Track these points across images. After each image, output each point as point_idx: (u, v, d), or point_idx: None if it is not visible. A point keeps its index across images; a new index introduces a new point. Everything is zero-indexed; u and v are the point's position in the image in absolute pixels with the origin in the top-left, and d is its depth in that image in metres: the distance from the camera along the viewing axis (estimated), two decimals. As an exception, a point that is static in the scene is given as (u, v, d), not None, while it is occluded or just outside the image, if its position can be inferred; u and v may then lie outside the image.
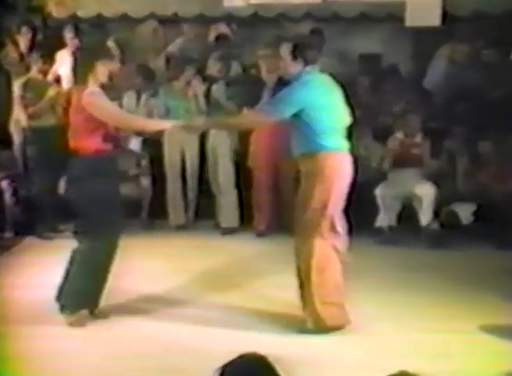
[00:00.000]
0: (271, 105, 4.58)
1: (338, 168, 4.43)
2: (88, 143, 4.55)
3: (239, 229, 7.08)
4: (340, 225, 4.55)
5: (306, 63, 4.46)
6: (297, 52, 4.46)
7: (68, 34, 7.56)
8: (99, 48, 4.89)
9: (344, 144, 4.52)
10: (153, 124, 5.01)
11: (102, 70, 4.60)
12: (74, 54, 7.45)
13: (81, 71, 4.76)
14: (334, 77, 4.71)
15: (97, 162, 4.55)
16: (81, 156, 4.60)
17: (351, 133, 4.73)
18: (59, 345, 4.36)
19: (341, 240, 4.57)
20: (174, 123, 4.93)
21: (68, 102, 6.95)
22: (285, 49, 4.49)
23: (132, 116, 4.67)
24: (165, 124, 4.99)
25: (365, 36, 7.73)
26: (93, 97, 4.52)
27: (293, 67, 4.49)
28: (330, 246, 4.47)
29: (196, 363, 3.97)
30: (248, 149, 6.93)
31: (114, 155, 4.68)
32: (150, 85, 7.41)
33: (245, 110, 6.74)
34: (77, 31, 7.58)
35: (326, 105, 4.43)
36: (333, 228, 4.47)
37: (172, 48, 7.76)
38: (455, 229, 6.65)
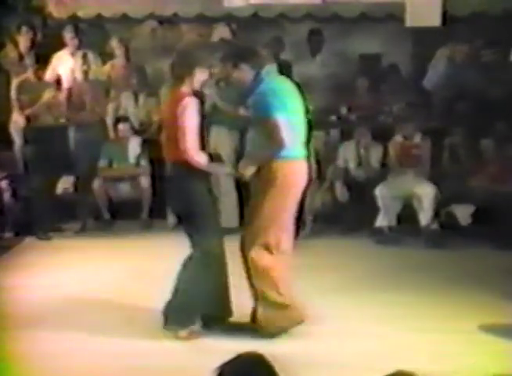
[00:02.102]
0: (267, 111, 4.28)
1: (293, 177, 4.35)
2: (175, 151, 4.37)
3: (239, 230, 7.07)
4: (289, 230, 4.48)
5: (253, 67, 4.36)
6: (238, 60, 4.39)
7: (68, 34, 7.56)
8: (198, 53, 4.69)
9: (301, 152, 4.42)
10: (212, 168, 4.57)
11: (199, 77, 4.41)
12: (75, 53, 7.48)
13: (176, 76, 4.48)
14: (290, 78, 4.62)
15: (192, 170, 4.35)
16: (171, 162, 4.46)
17: (310, 138, 4.63)
18: (59, 345, 4.35)
19: (288, 240, 4.49)
20: (229, 170, 4.90)
21: (82, 102, 7.07)
22: (226, 66, 4.43)
23: (198, 151, 4.34)
24: (221, 170, 4.90)
25: (365, 36, 7.72)
26: (188, 107, 4.28)
27: (240, 74, 4.41)
28: (275, 250, 4.40)
29: (194, 362, 3.97)
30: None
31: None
32: (146, 85, 7.43)
33: (241, 110, 6.76)
34: (77, 31, 7.58)
35: (292, 108, 4.33)
36: (281, 232, 4.40)
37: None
38: (454, 229, 6.65)
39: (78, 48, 7.54)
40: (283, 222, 4.40)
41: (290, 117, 4.30)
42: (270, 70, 4.48)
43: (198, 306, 4.45)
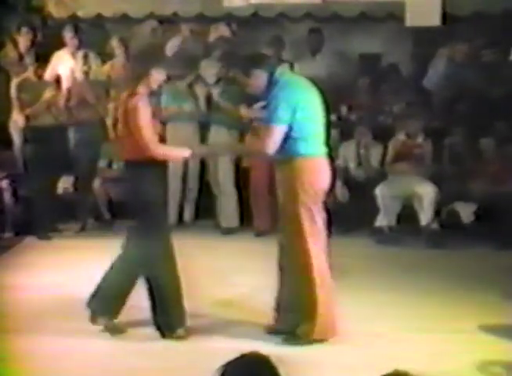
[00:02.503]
0: (271, 119, 4.31)
1: (315, 175, 4.34)
2: (130, 149, 4.49)
3: (239, 229, 7.09)
4: (321, 228, 4.44)
5: (266, 70, 4.34)
6: (249, 67, 4.39)
7: (68, 34, 7.55)
8: (155, 54, 4.76)
9: (322, 149, 4.42)
10: (175, 154, 4.81)
11: (156, 78, 4.49)
12: (76, 53, 7.48)
13: (133, 77, 4.61)
14: (311, 79, 4.61)
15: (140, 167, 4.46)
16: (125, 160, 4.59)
17: (329, 135, 4.67)
18: (59, 345, 4.35)
19: (323, 241, 4.46)
20: (193, 151, 4.81)
21: (81, 101, 7.07)
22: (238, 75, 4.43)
23: (158, 144, 4.50)
24: (185, 153, 4.79)
25: (366, 36, 7.72)
26: (139, 106, 4.39)
27: (254, 81, 4.39)
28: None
29: (195, 362, 3.97)
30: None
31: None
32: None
33: (242, 109, 6.78)
34: (77, 31, 7.58)
35: (306, 108, 4.32)
36: (314, 230, 4.37)
37: (170, 49, 7.74)
38: (454, 228, 6.65)
39: (78, 47, 7.54)
40: (311, 222, 4.32)
41: (300, 121, 4.27)
42: (283, 70, 4.47)
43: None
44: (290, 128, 4.28)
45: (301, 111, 4.28)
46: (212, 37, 7.86)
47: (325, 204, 4.48)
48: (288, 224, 4.36)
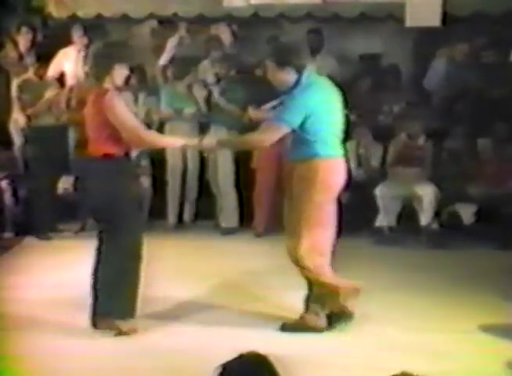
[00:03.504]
0: (278, 118, 4.38)
1: (331, 175, 4.40)
2: (99, 146, 4.46)
3: (239, 230, 7.08)
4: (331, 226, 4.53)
5: (297, 69, 4.36)
6: (282, 61, 4.38)
7: (77, 33, 7.55)
8: (119, 50, 4.76)
9: (339, 150, 4.47)
10: (166, 142, 4.91)
11: (119, 73, 4.49)
12: (81, 52, 7.48)
13: (96, 72, 4.56)
14: (332, 79, 4.69)
15: (107, 164, 4.45)
16: (91, 157, 4.52)
17: (347, 135, 4.72)
18: (59, 345, 4.35)
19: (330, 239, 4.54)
20: (186, 141, 4.85)
21: (82, 101, 7.05)
22: (269, 63, 4.43)
23: (147, 130, 4.56)
24: (177, 142, 4.88)
25: (366, 36, 7.73)
26: (114, 102, 4.39)
27: (285, 76, 4.39)
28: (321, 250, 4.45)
29: (195, 362, 3.96)
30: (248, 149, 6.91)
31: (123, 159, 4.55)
32: (145, 85, 7.43)
33: (250, 111, 6.77)
34: (86, 30, 7.59)
35: (325, 110, 4.37)
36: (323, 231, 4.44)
37: (170, 49, 7.74)
38: (455, 229, 6.65)
39: (87, 47, 7.55)
40: (324, 220, 4.41)
41: (316, 124, 4.32)
42: (310, 73, 4.46)
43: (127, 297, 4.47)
44: (306, 131, 4.32)
45: (316, 116, 4.31)
46: (211, 37, 7.87)
47: (338, 203, 4.55)
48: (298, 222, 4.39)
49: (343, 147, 4.53)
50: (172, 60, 7.60)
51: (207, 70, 7.43)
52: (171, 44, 7.75)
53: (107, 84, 4.47)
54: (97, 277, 4.56)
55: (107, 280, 4.48)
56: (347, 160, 4.67)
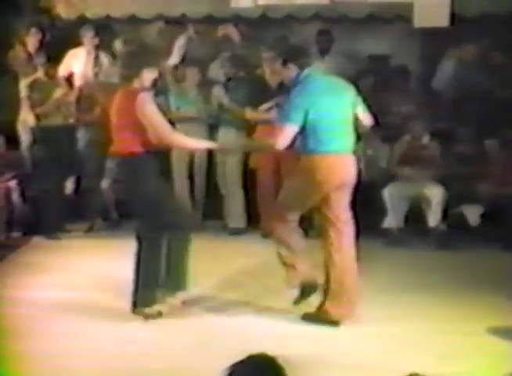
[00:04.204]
0: (282, 118, 4.53)
1: (332, 171, 4.48)
2: (125, 144, 4.60)
3: (247, 230, 7.08)
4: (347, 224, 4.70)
5: (300, 67, 4.53)
6: (287, 59, 4.57)
7: (88, 33, 7.56)
8: (149, 52, 4.93)
9: (338, 146, 4.53)
10: (191, 144, 5.00)
11: (148, 76, 4.64)
12: (91, 53, 7.51)
13: (127, 73, 4.76)
14: (343, 76, 4.74)
15: (134, 163, 4.59)
16: (119, 156, 4.71)
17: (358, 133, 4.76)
18: (67, 346, 4.36)
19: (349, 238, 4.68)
20: (209, 144, 5.08)
21: (91, 101, 7.09)
22: (272, 60, 4.59)
23: (174, 131, 4.72)
24: (201, 145, 5.08)
25: (374, 37, 7.71)
26: (146, 102, 4.52)
27: (289, 72, 4.57)
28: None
29: (204, 362, 3.97)
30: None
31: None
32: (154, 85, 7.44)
33: (247, 111, 6.79)
34: (97, 31, 7.60)
35: (324, 107, 4.46)
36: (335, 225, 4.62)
37: (177, 49, 7.76)
38: (463, 230, 6.63)
39: (97, 47, 7.57)
40: (301, 209, 4.63)
41: (314, 122, 4.44)
42: (309, 71, 4.60)
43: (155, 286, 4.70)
44: (304, 128, 4.44)
45: (314, 113, 4.43)
46: (220, 37, 7.88)
47: (353, 200, 4.71)
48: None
49: (350, 144, 4.60)
50: (181, 61, 7.62)
51: (217, 71, 7.43)
52: (178, 44, 7.76)
53: (136, 85, 4.60)
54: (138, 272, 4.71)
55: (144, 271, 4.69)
56: (357, 158, 4.76)
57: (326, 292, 4.66)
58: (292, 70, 4.56)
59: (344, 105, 4.58)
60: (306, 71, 4.55)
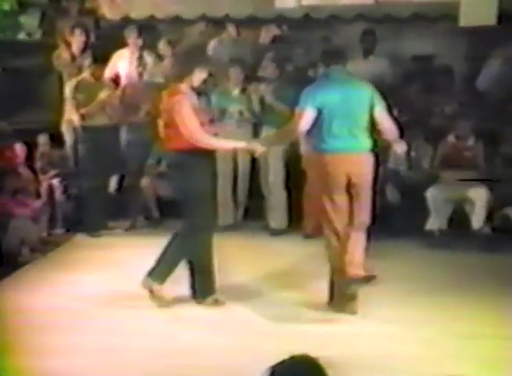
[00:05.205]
0: (299, 105, 4.81)
1: (336, 169, 4.67)
2: (170, 140, 4.87)
3: (288, 231, 7.07)
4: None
5: (326, 65, 4.86)
6: (330, 62, 4.87)
7: (131, 34, 7.63)
8: (199, 54, 5.14)
9: (349, 145, 4.68)
10: (219, 144, 5.10)
11: (198, 76, 4.86)
12: (134, 53, 7.58)
13: (178, 73, 4.97)
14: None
15: (183, 157, 4.81)
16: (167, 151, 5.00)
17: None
18: (107, 339, 4.40)
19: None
20: (236, 144, 5.23)
21: (135, 101, 7.18)
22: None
23: (204, 133, 4.84)
24: (228, 145, 5.24)
25: (418, 37, 7.63)
26: (181, 104, 4.74)
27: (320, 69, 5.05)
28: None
29: (245, 361, 3.96)
30: (299, 150, 6.88)
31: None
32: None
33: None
34: (141, 32, 7.68)
35: (336, 105, 4.66)
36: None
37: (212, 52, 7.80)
38: (508, 233, 6.51)
39: (142, 48, 7.63)
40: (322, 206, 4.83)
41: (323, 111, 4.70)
42: (331, 70, 4.86)
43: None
44: (318, 125, 4.71)
45: (326, 110, 4.68)
46: (264, 38, 7.87)
47: (373, 202, 4.86)
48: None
49: (362, 143, 4.74)
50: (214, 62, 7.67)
51: (261, 71, 7.43)
52: (210, 47, 7.81)
53: (183, 85, 4.81)
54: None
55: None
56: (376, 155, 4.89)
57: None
58: (321, 68, 4.96)
59: (356, 104, 4.71)
60: (327, 70, 4.84)
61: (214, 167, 5.29)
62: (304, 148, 5.69)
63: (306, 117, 4.70)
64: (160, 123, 4.97)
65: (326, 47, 6.38)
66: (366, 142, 4.78)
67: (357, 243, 4.76)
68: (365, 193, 4.79)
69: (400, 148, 5.03)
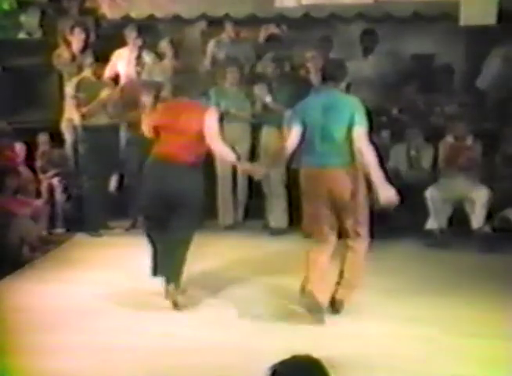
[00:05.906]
0: (287, 123, 5.08)
1: (316, 183, 4.69)
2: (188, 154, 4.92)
3: (288, 230, 7.07)
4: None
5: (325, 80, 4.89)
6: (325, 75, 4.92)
7: (131, 34, 7.64)
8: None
9: (328, 161, 4.67)
10: (229, 156, 5.14)
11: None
12: (133, 52, 7.58)
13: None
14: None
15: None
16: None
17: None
18: (107, 339, 4.41)
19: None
20: (237, 162, 5.33)
21: (133, 100, 7.18)
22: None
23: (219, 142, 4.98)
24: (236, 163, 5.34)
25: (418, 36, 7.64)
26: (213, 115, 4.98)
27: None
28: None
29: (247, 360, 3.97)
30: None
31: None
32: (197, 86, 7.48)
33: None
34: (140, 31, 7.67)
35: (315, 121, 4.70)
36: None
37: (215, 51, 7.80)
38: (508, 233, 6.51)
39: (141, 47, 7.63)
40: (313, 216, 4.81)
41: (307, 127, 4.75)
42: (321, 87, 4.99)
43: None
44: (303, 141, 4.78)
45: (307, 125, 4.73)
46: (264, 37, 7.87)
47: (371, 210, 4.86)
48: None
49: (340, 160, 4.67)
50: (213, 62, 7.68)
51: (260, 70, 7.43)
52: (209, 47, 7.82)
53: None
54: None
55: None
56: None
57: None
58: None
59: (334, 121, 4.69)
60: (319, 86, 5.08)
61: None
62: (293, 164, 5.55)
63: (293, 134, 4.79)
64: (170, 137, 4.98)
65: (327, 61, 6.26)
66: (347, 158, 4.68)
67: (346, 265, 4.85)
68: (353, 208, 4.71)
69: (385, 195, 4.60)
